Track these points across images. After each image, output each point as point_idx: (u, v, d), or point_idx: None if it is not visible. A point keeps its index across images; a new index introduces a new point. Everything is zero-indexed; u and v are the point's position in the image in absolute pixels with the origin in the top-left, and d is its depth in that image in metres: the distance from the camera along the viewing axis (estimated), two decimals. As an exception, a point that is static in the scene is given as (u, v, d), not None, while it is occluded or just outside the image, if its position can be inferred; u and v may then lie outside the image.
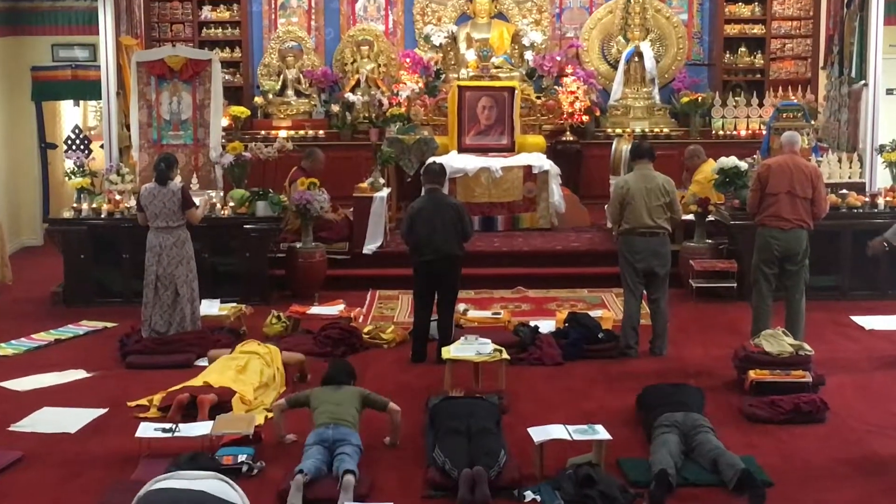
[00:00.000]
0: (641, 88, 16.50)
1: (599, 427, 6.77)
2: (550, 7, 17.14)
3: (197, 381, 8.09)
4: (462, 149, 14.54)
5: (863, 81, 13.38)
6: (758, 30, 17.11)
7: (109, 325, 10.68)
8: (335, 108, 16.19)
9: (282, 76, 16.69)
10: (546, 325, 9.95)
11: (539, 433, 6.70)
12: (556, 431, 6.73)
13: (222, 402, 7.72)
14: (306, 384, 8.47)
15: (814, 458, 6.96)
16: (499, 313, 10.67)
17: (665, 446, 6.64)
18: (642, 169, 9.39)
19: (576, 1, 17.34)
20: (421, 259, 9.18)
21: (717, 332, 10.16)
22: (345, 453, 6.47)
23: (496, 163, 13.97)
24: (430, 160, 10.96)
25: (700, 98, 16.13)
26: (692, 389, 7.66)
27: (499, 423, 7.03)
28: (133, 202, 11.22)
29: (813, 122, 13.36)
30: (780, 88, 16.13)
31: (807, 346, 8.38)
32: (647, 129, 15.94)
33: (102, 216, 11.67)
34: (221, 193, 12.26)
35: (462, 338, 8.63)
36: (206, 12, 17.07)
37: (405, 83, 15.80)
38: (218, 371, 8.25)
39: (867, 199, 11.80)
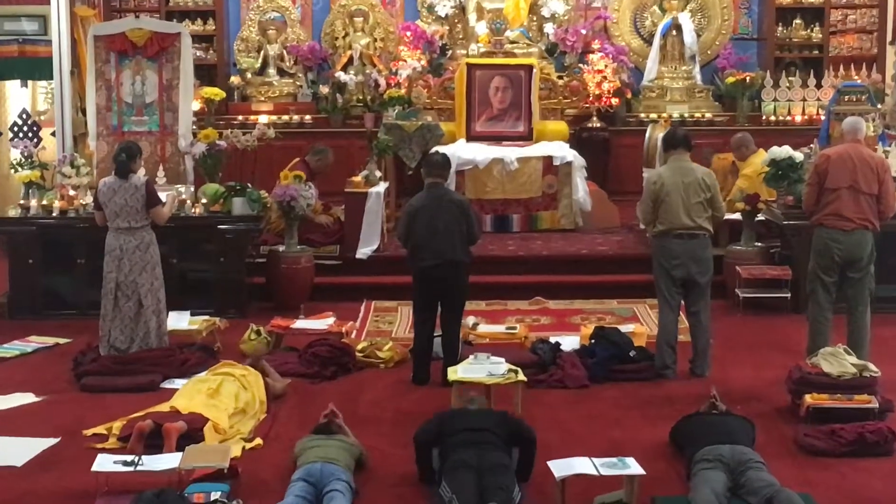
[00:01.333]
0: (680, 67, 16.53)
1: (631, 460, 6.76)
2: (574, -29, 17.17)
3: (163, 407, 8.09)
4: (472, 137, 14.55)
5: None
6: (815, -2, 17.12)
7: (62, 341, 10.68)
8: (324, 89, 16.24)
9: (262, 53, 16.75)
10: (569, 342, 9.94)
11: (561, 467, 6.70)
12: (581, 465, 6.73)
13: (192, 431, 7.70)
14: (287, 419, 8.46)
15: (881, 496, 6.94)
16: (514, 328, 10.65)
17: (708, 484, 6.62)
18: (678, 160, 9.38)
19: (604, -35, 17.37)
20: (421, 265, 9.18)
21: (768, 350, 10.15)
22: (336, 490, 6.47)
23: (511, 153, 13.98)
24: (433, 150, 10.96)
25: (748, 78, 16.15)
26: (739, 418, 7.65)
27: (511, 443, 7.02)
28: (89, 199, 11.23)
29: (880, 106, 13.35)
30: (842, 67, 16.15)
31: (872, 367, 8.36)
32: (686, 114, 15.98)
33: (54, 215, 11.68)
34: (192, 188, 12.28)
35: (471, 356, 8.63)
36: (175, -22, 17.12)
37: (405, 61, 15.83)
38: (186, 395, 8.25)
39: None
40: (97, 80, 12.81)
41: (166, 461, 7.06)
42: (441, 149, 11.25)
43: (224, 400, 8.22)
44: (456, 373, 8.32)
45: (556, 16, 16.52)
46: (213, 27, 17.08)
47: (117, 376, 9.32)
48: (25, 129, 15.56)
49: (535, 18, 16.69)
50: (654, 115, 15.80)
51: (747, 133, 13.24)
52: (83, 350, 9.86)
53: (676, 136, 9.58)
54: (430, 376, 9.23)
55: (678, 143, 9.48)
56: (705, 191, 9.23)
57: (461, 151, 13.78)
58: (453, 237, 9.12)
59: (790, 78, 16.25)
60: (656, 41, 16.54)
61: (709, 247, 9.40)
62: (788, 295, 11.33)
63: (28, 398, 9.00)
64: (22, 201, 12.04)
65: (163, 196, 10.19)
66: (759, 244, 11.85)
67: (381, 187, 12.86)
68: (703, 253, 9.31)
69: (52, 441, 7.94)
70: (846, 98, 12.43)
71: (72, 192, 11.89)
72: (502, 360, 8.54)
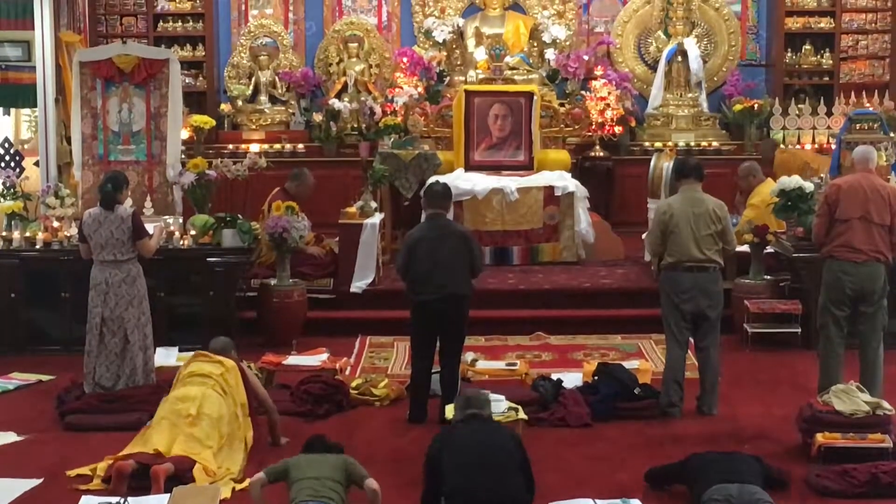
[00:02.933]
0: (686, 94, 16.60)
1: (636, 502, 6.75)
2: (576, -4, 17.26)
3: (147, 448, 8.03)
4: (470, 166, 14.56)
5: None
6: (825, 24, 17.24)
7: (45, 378, 10.66)
8: (317, 117, 16.28)
9: (253, 79, 16.81)
10: (571, 379, 9.93)
11: (563, 510, 6.69)
12: (584, 508, 6.72)
13: (180, 473, 7.68)
14: (280, 449, 8.44)
15: (895, 539, 6.94)
16: (514, 364, 10.65)
17: (716, 525, 6.62)
18: (689, 190, 9.39)
19: (606, -11, 17.46)
20: (420, 298, 9.17)
21: (778, 386, 10.15)
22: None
23: (511, 183, 14.00)
24: (433, 180, 10.98)
25: (756, 105, 16.22)
26: (748, 457, 7.63)
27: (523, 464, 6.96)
28: (74, 230, 11.23)
29: (892, 135, 13.37)
30: (853, 94, 16.21)
31: (886, 405, 8.36)
32: (692, 143, 16.03)
33: (37, 247, 11.67)
34: (180, 220, 12.29)
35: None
36: (163, 2, 17.26)
37: (401, 87, 15.87)
38: (167, 429, 8.14)
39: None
40: (83, 108, 12.86)
41: (153, 503, 7.05)
42: (440, 178, 11.28)
43: (206, 430, 8.13)
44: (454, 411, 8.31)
45: (558, 41, 16.59)
46: (203, 53, 17.16)
47: (103, 415, 9.30)
48: (8, 158, 15.56)
49: (535, 44, 16.77)
50: (658, 144, 15.85)
51: (755, 162, 13.28)
52: (67, 387, 9.85)
53: (688, 165, 9.59)
54: (428, 414, 9.22)
55: (689, 172, 9.48)
56: (716, 222, 9.23)
57: (459, 181, 13.79)
58: (455, 270, 9.11)
59: (800, 105, 16.32)
60: (661, 67, 16.62)
61: (719, 280, 9.40)
62: (799, 330, 11.33)
63: (9, 437, 8.98)
64: (4, 233, 12.02)
65: (150, 228, 10.18)
66: (769, 277, 11.85)
67: (377, 218, 12.88)
68: (714, 286, 9.30)
69: (34, 482, 7.91)
70: (857, 126, 12.49)
71: (56, 224, 11.89)
72: (502, 397, 8.54)
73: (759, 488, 7.03)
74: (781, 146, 13.45)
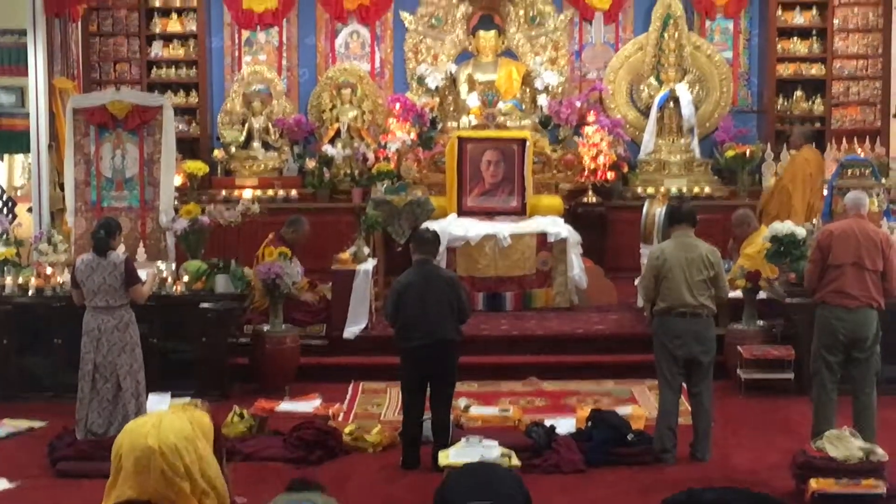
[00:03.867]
0: (678, 140, 16.68)
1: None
2: (568, 43, 17.37)
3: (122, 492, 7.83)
4: (463, 212, 14.61)
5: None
6: (816, 70, 17.34)
7: (37, 424, 10.65)
8: (311, 163, 16.33)
9: (247, 125, 16.86)
10: (565, 425, 9.93)
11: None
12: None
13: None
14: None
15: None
16: (507, 410, 10.66)
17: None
18: (682, 236, 9.43)
19: (598, 36, 17.59)
20: (409, 345, 9.19)
21: (772, 432, 10.15)
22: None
23: (504, 229, 14.05)
24: (423, 226, 11.01)
25: (748, 151, 16.29)
26: (743, 492, 7.58)
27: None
28: (67, 276, 11.24)
29: (884, 181, 13.44)
30: (844, 140, 16.24)
31: (879, 451, 8.36)
32: (684, 189, 16.10)
33: (30, 293, 11.67)
34: (173, 266, 12.29)
35: (463, 439, 8.62)
36: (157, 49, 17.31)
37: (394, 134, 15.93)
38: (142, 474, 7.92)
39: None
40: (76, 154, 12.90)
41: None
42: (432, 224, 11.32)
43: (181, 472, 7.93)
44: (447, 457, 8.31)
45: (550, 87, 16.66)
46: (197, 99, 17.22)
47: (94, 462, 9.24)
48: (0, 204, 15.61)
49: (528, 90, 16.84)
50: (651, 190, 15.91)
51: (748, 210, 13.33)
52: (59, 434, 9.84)
53: (681, 211, 9.63)
54: (421, 461, 9.22)
55: (683, 218, 9.52)
56: (709, 268, 9.26)
57: (452, 227, 13.84)
58: (444, 315, 9.13)
59: (791, 151, 16.37)
60: (653, 113, 16.70)
61: (712, 326, 9.43)
62: (792, 376, 11.34)
63: (1, 484, 8.96)
64: (-4, 279, 12.06)
65: (143, 274, 10.21)
66: (761, 323, 11.87)
67: (370, 264, 12.90)
68: (706, 332, 9.32)
69: (25, 529, 7.91)
70: (849, 172, 12.52)
71: (48, 270, 11.89)
72: (495, 443, 8.53)
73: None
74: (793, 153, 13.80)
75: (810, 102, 17.28)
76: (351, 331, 12.46)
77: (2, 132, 14.84)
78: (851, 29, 17.27)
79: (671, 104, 16.72)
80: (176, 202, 13.35)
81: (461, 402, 10.44)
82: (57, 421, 10.33)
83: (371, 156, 15.93)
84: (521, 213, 14.61)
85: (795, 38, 17.40)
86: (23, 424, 10.66)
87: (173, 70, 17.31)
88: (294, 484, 7.24)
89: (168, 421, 7.58)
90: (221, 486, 7.59)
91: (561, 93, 16.79)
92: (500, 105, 15.98)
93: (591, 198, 15.83)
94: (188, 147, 16.85)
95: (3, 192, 15.74)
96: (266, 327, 11.86)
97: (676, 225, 9.54)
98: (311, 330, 12.45)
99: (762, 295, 11.91)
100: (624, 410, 10.23)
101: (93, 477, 8.98)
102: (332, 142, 16.61)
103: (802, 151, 14.22)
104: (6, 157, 15.88)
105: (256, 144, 16.83)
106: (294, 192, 16.32)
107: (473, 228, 14.07)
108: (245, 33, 17.49)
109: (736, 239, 12.94)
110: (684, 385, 9.49)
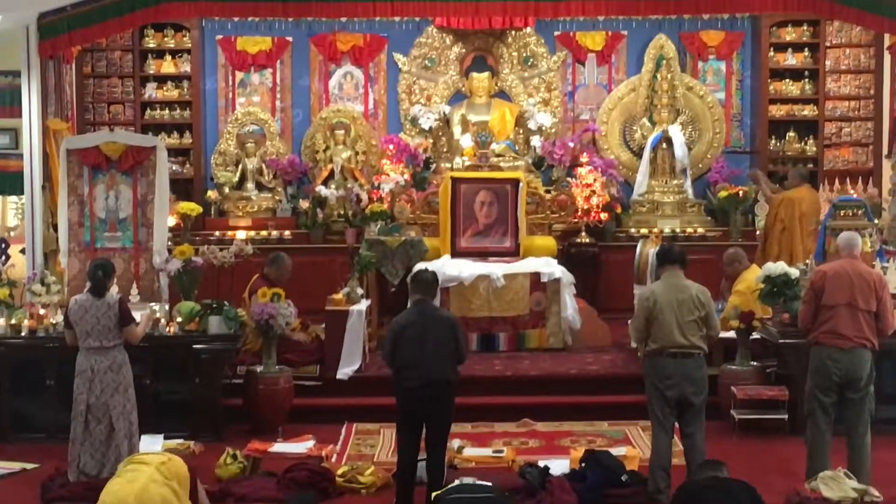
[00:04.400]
0: (671, 180, 16.73)
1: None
2: (561, 84, 17.47)
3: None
4: (456, 253, 14.63)
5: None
6: (809, 111, 17.43)
7: (29, 466, 10.61)
8: (304, 204, 16.36)
9: (240, 166, 16.90)
10: (558, 466, 9.92)
11: None
12: None
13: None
14: None
15: None
16: (501, 451, 10.65)
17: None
18: (672, 277, 9.44)
19: (591, 77, 17.65)
20: (406, 385, 9.17)
21: (766, 473, 10.13)
22: None
23: (497, 269, 14.05)
24: (420, 267, 11.03)
25: (741, 192, 16.33)
26: (741, 484, 7.41)
27: None
28: (60, 317, 11.24)
29: (876, 221, 13.48)
30: (837, 180, 16.32)
31: (873, 491, 8.38)
32: (677, 229, 16.13)
33: (22, 334, 11.65)
34: (167, 307, 12.30)
35: (456, 481, 8.61)
36: (151, 90, 17.37)
37: (388, 174, 15.97)
38: None
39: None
40: (69, 195, 12.92)
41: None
42: (427, 265, 11.32)
43: None
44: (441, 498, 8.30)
45: (544, 128, 16.74)
46: (190, 140, 17.27)
47: (87, 503, 9.26)
48: (-7, 245, 15.65)
49: (521, 131, 16.92)
50: (644, 230, 15.93)
51: (740, 249, 13.36)
52: (51, 476, 9.82)
53: (672, 253, 9.64)
54: (415, 502, 9.19)
55: (673, 259, 9.53)
56: (699, 308, 9.26)
57: (446, 268, 13.84)
58: (442, 356, 9.09)
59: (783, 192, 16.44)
60: (646, 154, 16.76)
61: (703, 366, 9.41)
62: (786, 416, 11.33)
63: (-7, 526, 8.96)
64: (-11, 320, 12.06)
65: (137, 315, 10.21)
66: (755, 363, 11.86)
67: (363, 305, 12.91)
68: (698, 373, 9.31)
69: (17, 571, 7.88)
70: (842, 213, 12.56)
71: (41, 311, 11.88)
72: (489, 484, 8.52)
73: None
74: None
75: (803, 143, 17.36)
76: (344, 372, 12.45)
77: (-5, 173, 14.92)
78: (843, 70, 17.37)
79: (664, 145, 16.79)
80: (169, 243, 13.37)
81: (455, 443, 10.42)
82: (49, 462, 10.31)
83: (364, 196, 15.96)
84: (514, 253, 14.63)
85: (788, 79, 17.49)
86: (15, 466, 10.62)
87: (167, 111, 17.37)
88: None
89: (153, 490, 7.55)
90: None
91: (554, 133, 16.89)
92: (494, 146, 16.03)
93: (584, 238, 15.86)
94: (182, 188, 16.89)
95: (-3, 232, 15.79)
96: (259, 368, 11.84)
97: (667, 266, 9.54)
98: (304, 371, 12.43)
99: (756, 335, 11.92)
100: (618, 451, 10.22)
101: (85, 519, 8.99)
102: (325, 182, 16.64)
103: (798, 191, 14.30)
104: (0, 197, 15.92)
105: (250, 185, 16.87)
106: (287, 233, 16.34)
107: (467, 269, 14.06)
108: (239, 74, 17.57)
109: (727, 278, 12.97)
110: (677, 425, 9.49)
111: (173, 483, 7.58)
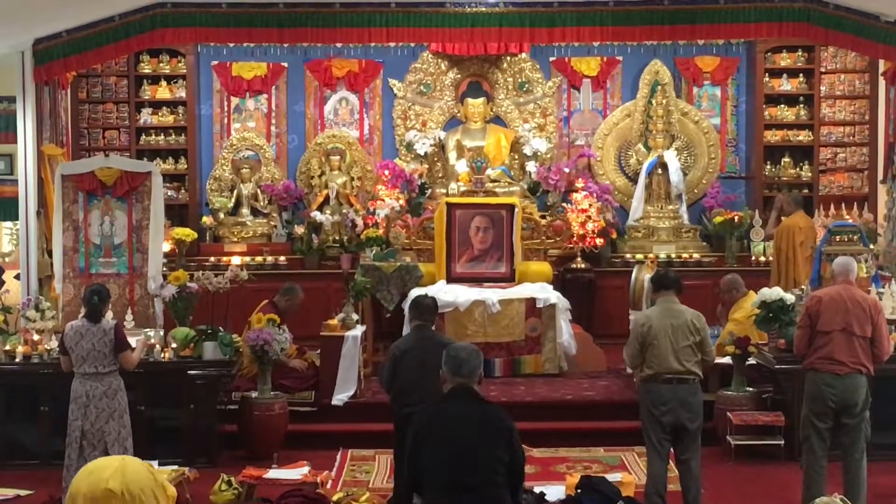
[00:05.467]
0: (666, 206, 16.76)
1: None
2: (557, 110, 17.52)
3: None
4: (452, 278, 14.65)
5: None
6: (804, 137, 17.48)
7: (23, 493, 10.60)
8: (299, 229, 16.39)
9: (235, 192, 16.93)
10: (554, 492, 9.93)
11: None
12: None
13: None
14: None
15: None
16: (497, 477, 10.64)
17: None
18: (667, 302, 9.46)
19: (587, 103, 17.71)
20: (406, 410, 9.16)
21: (762, 499, 10.16)
22: None
23: (493, 295, 14.07)
24: (419, 292, 11.03)
25: (736, 217, 16.37)
26: None
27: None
28: (55, 343, 11.24)
29: (872, 246, 13.51)
30: (832, 206, 16.35)
31: (870, 517, 8.38)
32: (673, 255, 16.16)
33: (17, 360, 11.64)
34: (162, 332, 12.30)
35: (452, 507, 8.61)
36: (146, 116, 17.39)
37: (383, 200, 15.99)
38: None
39: (939, 338, 11.89)
40: (64, 221, 12.92)
41: None
42: (421, 291, 11.33)
43: None
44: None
45: (539, 154, 16.79)
46: (185, 166, 17.29)
47: (81, 530, 9.25)
48: (-12, 271, 15.65)
49: (516, 156, 16.96)
50: (640, 256, 15.96)
51: (737, 275, 13.35)
52: (45, 502, 9.82)
53: (667, 278, 9.65)
54: (410, 529, 9.19)
55: (668, 284, 9.54)
56: (694, 334, 9.26)
57: (441, 293, 13.82)
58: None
59: (781, 217, 16.45)
60: (641, 180, 16.80)
61: (698, 392, 9.41)
62: (782, 442, 11.35)
63: (-13, 553, 8.95)
64: (-16, 346, 12.05)
65: (132, 341, 10.22)
66: (751, 389, 11.86)
67: (359, 330, 12.90)
68: (693, 398, 9.30)
69: None
70: (837, 238, 12.58)
71: (36, 337, 11.88)
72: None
73: None
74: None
75: (798, 169, 17.41)
76: (339, 397, 12.45)
77: (-10, 199, 14.92)
78: (838, 96, 17.44)
79: (659, 170, 16.83)
80: (164, 269, 13.38)
81: (450, 469, 10.41)
82: (43, 489, 10.29)
83: (360, 222, 15.99)
84: (509, 279, 14.65)
85: (783, 104, 17.56)
86: (9, 493, 10.61)
87: (162, 137, 17.39)
88: None
89: (133, 467, 7.50)
90: None
91: (549, 159, 16.93)
92: (489, 171, 16.07)
93: (579, 264, 15.89)
94: (177, 213, 16.92)
95: (-9, 258, 15.80)
96: (254, 394, 11.84)
97: (663, 291, 9.55)
98: (299, 396, 12.44)
99: (752, 360, 11.93)
100: (614, 477, 10.20)
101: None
102: (320, 208, 16.66)
103: (793, 218, 14.35)
104: (-5, 223, 15.94)
105: (245, 211, 16.90)
106: (283, 259, 16.36)
107: (462, 294, 14.08)
108: (234, 100, 17.62)
109: (724, 304, 12.98)
110: (673, 451, 9.49)
111: (156, 476, 7.51)
